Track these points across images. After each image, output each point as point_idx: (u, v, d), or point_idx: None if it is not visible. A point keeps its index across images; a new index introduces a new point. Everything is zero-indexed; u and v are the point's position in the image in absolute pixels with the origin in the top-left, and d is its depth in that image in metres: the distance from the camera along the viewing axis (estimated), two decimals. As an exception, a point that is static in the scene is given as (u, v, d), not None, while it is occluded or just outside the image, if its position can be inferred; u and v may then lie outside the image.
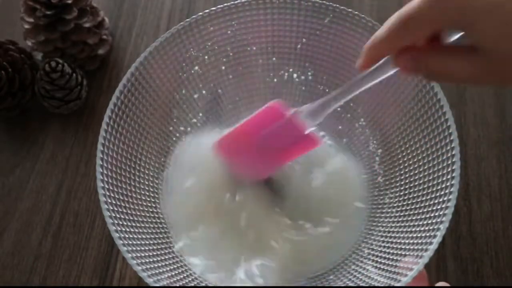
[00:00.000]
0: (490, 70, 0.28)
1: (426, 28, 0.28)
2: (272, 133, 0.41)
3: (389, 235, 0.42)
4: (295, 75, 0.51)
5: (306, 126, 0.40)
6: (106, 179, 0.40)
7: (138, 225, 0.41)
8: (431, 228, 0.37)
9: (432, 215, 0.38)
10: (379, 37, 0.30)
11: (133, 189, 0.43)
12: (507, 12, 0.25)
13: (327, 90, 0.50)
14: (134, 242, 0.39)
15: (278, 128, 0.41)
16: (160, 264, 0.39)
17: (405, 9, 0.28)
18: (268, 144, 0.42)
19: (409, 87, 0.44)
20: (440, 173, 0.40)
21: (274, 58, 0.50)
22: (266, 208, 0.45)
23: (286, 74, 0.51)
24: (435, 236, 0.36)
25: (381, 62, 0.32)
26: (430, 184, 0.41)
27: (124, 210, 0.41)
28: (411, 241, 0.39)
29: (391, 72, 0.33)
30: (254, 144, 0.43)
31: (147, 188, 0.45)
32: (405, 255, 0.38)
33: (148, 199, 0.44)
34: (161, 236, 0.43)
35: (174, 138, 0.49)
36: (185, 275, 0.41)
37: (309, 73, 0.50)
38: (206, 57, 0.49)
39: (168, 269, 0.40)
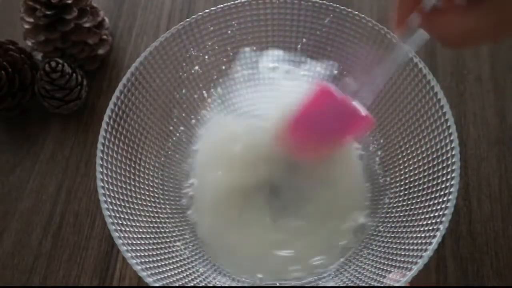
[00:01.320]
0: (501, 19, 0.27)
1: None
2: (324, 116, 0.41)
3: (388, 235, 0.42)
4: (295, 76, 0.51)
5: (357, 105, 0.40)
6: (106, 179, 0.40)
7: (138, 225, 0.41)
8: (430, 228, 0.37)
9: (432, 215, 0.38)
10: None
11: (133, 189, 0.43)
12: None
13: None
14: (134, 242, 0.39)
15: (332, 110, 0.41)
16: (160, 264, 0.39)
17: None
18: (325, 126, 0.42)
19: (409, 87, 0.44)
20: (440, 173, 0.40)
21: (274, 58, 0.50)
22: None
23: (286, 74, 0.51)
24: (434, 236, 0.36)
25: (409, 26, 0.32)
26: (430, 184, 0.41)
27: (124, 210, 0.41)
28: (411, 241, 0.39)
29: (420, 36, 0.33)
30: (312, 127, 0.42)
31: (147, 188, 0.45)
32: (404, 255, 0.38)
33: (148, 199, 0.44)
34: (161, 236, 0.43)
35: (174, 138, 0.49)
36: (185, 275, 0.41)
37: (310, 73, 0.50)
38: (206, 57, 0.49)
39: (167, 268, 0.40)
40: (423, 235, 0.38)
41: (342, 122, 0.42)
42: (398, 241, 0.40)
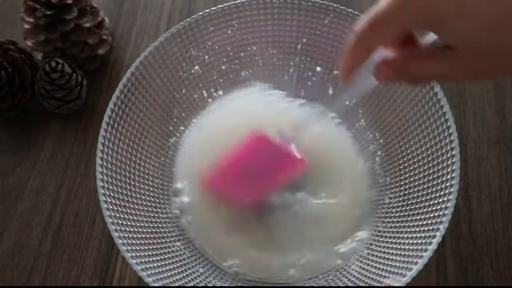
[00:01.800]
0: (464, 66, 0.28)
1: (393, 29, 0.29)
2: (259, 160, 0.42)
3: (388, 235, 0.42)
4: (295, 75, 0.51)
5: (292, 148, 0.41)
6: (106, 179, 0.40)
7: (138, 224, 0.41)
8: (430, 228, 0.37)
9: (432, 215, 0.38)
10: (349, 44, 0.31)
11: (133, 189, 0.43)
12: (469, 8, 0.26)
13: (327, 89, 0.50)
14: (134, 242, 0.39)
15: (264, 155, 0.42)
16: (160, 264, 0.39)
17: (373, 10, 0.29)
18: (257, 171, 0.43)
19: (409, 87, 0.44)
20: (440, 173, 0.40)
21: (274, 58, 0.50)
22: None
23: (287, 74, 0.51)
24: (434, 237, 0.36)
25: (363, 76, 0.33)
26: (430, 184, 0.41)
27: (124, 210, 0.41)
28: (411, 241, 0.39)
29: (375, 83, 0.33)
30: (243, 173, 0.43)
31: (147, 188, 0.45)
32: (404, 255, 0.38)
33: (148, 199, 0.44)
34: (161, 236, 0.43)
35: (174, 138, 0.49)
36: (184, 275, 0.41)
37: (310, 73, 0.50)
38: (206, 57, 0.49)
39: (167, 268, 0.40)
40: (423, 235, 0.38)
41: (276, 166, 0.42)
42: (398, 241, 0.40)
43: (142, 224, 0.42)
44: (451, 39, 0.28)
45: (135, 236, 0.40)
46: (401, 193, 0.44)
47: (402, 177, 0.44)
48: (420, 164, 0.43)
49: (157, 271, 0.38)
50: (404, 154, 0.45)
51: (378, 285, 0.38)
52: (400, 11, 0.28)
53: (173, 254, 0.42)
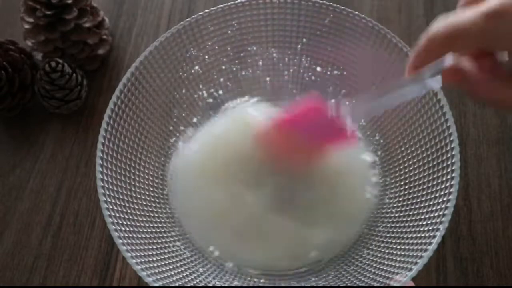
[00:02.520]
0: None
1: (472, 47, 0.27)
2: (313, 127, 0.41)
3: (388, 235, 0.42)
4: (295, 75, 0.51)
5: (346, 122, 0.40)
6: (106, 179, 0.40)
7: (138, 224, 0.41)
8: (430, 228, 0.37)
9: (432, 215, 0.38)
10: (421, 45, 0.29)
11: (133, 189, 0.43)
12: None
13: (327, 89, 0.50)
14: (134, 242, 0.39)
15: (319, 123, 0.41)
16: (160, 264, 0.39)
17: (456, 18, 0.26)
18: (308, 137, 0.42)
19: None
20: (440, 173, 0.40)
21: (274, 58, 0.50)
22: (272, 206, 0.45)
23: (286, 74, 0.51)
24: (434, 237, 0.36)
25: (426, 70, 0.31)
26: (430, 185, 0.41)
27: (124, 210, 0.41)
28: (411, 241, 0.39)
29: (436, 79, 0.31)
30: (295, 137, 0.43)
31: (147, 188, 0.45)
32: (404, 255, 0.38)
33: (148, 199, 0.44)
34: (161, 236, 0.43)
35: (174, 138, 0.49)
36: (185, 275, 0.41)
37: (310, 73, 0.50)
38: (206, 57, 0.49)
39: (167, 268, 0.40)
40: (423, 235, 0.38)
41: (326, 134, 0.42)
42: (398, 241, 0.40)
43: (142, 224, 0.42)
44: None
45: (135, 236, 0.40)
46: (401, 193, 0.44)
47: (402, 177, 0.44)
48: (420, 164, 0.43)
49: (157, 271, 0.38)
50: (404, 154, 0.45)
51: (378, 285, 0.38)
52: (490, 33, 0.25)
53: (173, 254, 0.42)
